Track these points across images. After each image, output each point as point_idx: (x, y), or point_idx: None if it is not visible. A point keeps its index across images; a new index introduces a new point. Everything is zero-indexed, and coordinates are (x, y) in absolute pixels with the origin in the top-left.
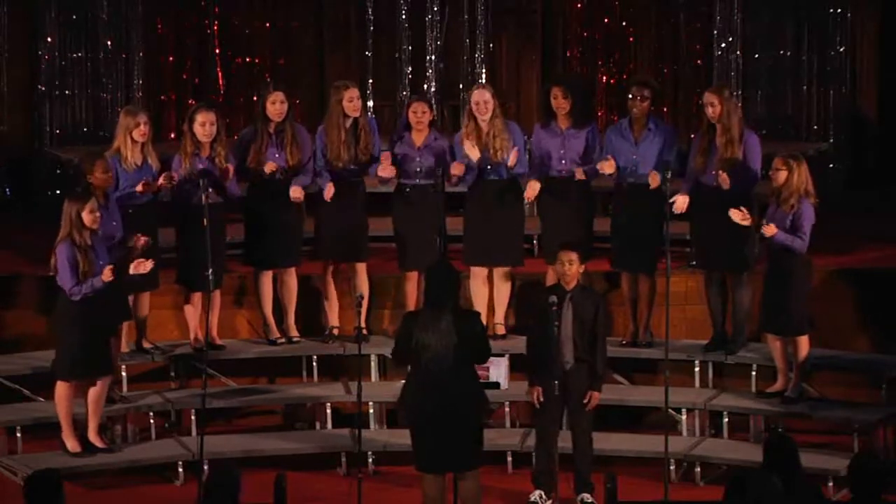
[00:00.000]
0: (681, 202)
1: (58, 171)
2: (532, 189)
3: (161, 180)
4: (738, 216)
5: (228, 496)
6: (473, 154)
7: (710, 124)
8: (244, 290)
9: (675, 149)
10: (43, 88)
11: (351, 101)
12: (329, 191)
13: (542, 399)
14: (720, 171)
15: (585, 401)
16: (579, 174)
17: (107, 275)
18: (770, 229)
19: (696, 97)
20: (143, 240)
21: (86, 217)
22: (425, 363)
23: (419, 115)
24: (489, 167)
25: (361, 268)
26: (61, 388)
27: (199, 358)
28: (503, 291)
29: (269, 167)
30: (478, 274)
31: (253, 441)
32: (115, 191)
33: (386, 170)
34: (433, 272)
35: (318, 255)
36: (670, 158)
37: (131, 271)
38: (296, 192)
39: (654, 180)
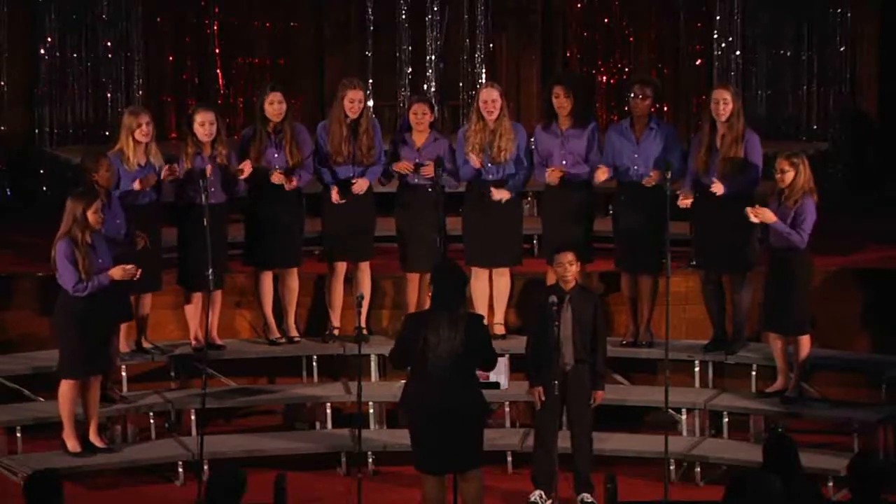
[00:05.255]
0: (684, 199)
1: (56, 171)
2: (551, 174)
3: (164, 173)
4: (765, 215)
5: (233, 496)
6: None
7: (711, 123)
8: (244, 290)
9: (680, 149)
10: (43, 88)
11: (352, 102)
12: (335, 194)
13: (543, 398)
14: (714, 180)
15: (591, 402)
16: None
17: (115, 273)
18: (768, 215)
19: (696, 97)
20: (142, 238)
21: (90, 217)
22: (429, 364)
23: (419, 116)
24: (489, 165)
25: (365, 267)
26: (66, 387)
27: (199, 358)
28: (503, 291)
29: (276, 178)
30: (479, 274)
31: (253, 441)
32: (116, 189)
33: (402, 166)
34: (441, 274)
35: (327, 258)
36: (674, 159)
37: (117, 277)
38: (279, 178)
39: (651, 179)
